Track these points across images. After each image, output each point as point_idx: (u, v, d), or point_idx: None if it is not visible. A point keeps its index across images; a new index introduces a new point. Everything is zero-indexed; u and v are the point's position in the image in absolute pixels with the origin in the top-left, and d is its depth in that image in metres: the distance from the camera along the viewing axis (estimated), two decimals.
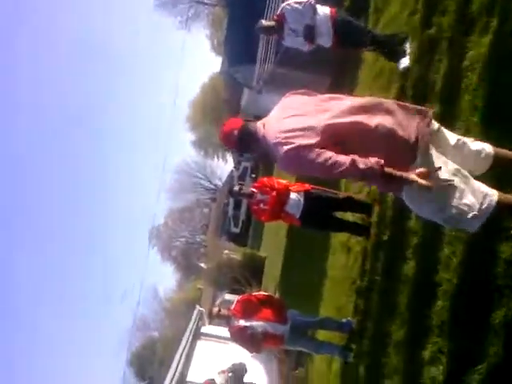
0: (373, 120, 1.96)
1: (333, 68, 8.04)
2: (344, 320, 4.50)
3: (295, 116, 2.07)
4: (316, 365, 5.94)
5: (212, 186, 36.31)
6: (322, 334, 5.23)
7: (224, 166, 34.56)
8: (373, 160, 1.89)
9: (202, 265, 25.36)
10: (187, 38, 61.00)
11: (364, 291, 4.36)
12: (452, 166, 1.99)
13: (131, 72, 76.20)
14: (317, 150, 1.94)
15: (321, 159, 1.93)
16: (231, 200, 22.85)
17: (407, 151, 1.95)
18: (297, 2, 4.33)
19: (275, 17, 4.53)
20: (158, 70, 73.99)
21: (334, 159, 1.92)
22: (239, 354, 5.83)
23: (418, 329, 2.90)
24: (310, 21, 4.27)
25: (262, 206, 4.32)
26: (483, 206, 1.92)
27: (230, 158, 31.13)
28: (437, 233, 2.95)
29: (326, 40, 4.43)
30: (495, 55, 2.88)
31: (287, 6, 4.38)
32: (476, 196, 1.93)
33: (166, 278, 69.14)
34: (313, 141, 1.95)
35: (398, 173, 1.90)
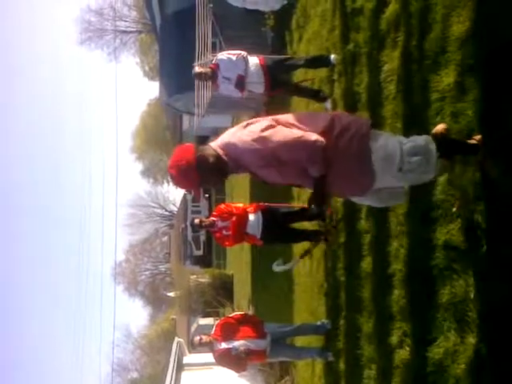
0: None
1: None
2: (318, 323, 4.74)
3: None
4: (300, 371, 6.14)
5: (167, 213, 35.91)
6: (300, 340, 5.46)
7: (175, 189, 34.35)
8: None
9: (171, 294, 24.93)
10: (118, 69, 60.40)
11: (331, 292, 4.65)
12: None
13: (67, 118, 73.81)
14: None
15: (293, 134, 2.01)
16: (189, 224, 22.77)
17: None
18: (230, 54, 4.75)
19: (210, 65, 4.93)
20: (96, 108, 72.37)
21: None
22: (225, 376, 5.94)
23: (383, 318, 3.19)
24: (242, 72, 4.68)
25: (224, 232, 4.52)
26: (424, 142, 2.08)
27: None
28: (384, 229, 3.29)
29: (257, 87, 4.85)
30: (406, 67, 3.28)
31: (221, 56, 4.80)
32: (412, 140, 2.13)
33: (136, 315, 67.27)
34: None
35: None
